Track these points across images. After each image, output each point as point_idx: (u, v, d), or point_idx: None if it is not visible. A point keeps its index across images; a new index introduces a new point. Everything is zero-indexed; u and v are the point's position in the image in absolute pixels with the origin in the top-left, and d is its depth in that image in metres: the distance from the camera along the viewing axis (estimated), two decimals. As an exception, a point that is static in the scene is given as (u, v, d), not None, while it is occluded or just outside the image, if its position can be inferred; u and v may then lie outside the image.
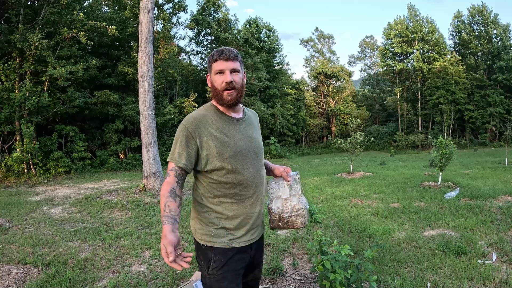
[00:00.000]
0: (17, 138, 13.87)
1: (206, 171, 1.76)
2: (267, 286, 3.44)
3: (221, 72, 1.74)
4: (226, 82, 1.73)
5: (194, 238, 1.86)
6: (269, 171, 2.07)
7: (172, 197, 1.66)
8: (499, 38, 35.09)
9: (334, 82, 45.00)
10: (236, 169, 1.75)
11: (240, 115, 1.89)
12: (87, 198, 8.60)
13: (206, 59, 1.70)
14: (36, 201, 8.55)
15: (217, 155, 1.72)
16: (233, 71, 1.76)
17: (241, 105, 1.92)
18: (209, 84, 1.84)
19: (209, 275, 1.76)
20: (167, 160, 1.78)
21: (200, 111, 1.81)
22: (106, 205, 7.69)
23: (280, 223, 1.93)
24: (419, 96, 37.53)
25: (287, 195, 1.93)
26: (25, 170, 13.60)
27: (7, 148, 14.22)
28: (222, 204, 1.78)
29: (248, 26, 34.30)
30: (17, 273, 3.84)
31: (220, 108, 1.83)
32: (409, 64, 38.39)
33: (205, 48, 30.86)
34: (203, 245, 1.78)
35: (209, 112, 1.81)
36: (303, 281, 3.55)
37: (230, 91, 1.75)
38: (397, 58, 39.43)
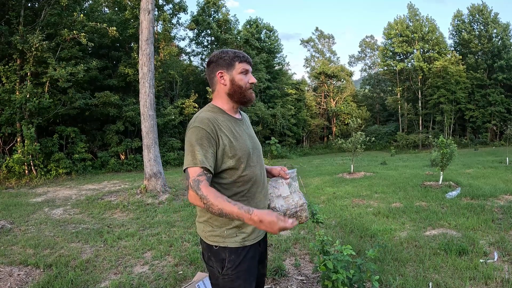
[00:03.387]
0: (18, 139, 13.88)
1: (220, 172, 1.76)
2: (269, 286, 3.44)
3: (246, 72, 1.84)
4: (252, 83, 1.85)
5: (202, 241, 1.86)
6: (267, 173, 2.10)
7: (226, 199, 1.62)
8: (499, 37, 35.05)
9: (334, 82, 44.96)
10: (248, 167, 1.80)
11: (239, 116, 1.95)
12: (88, 199, 8.61)
13: (222, 57, 1.59)
14: (38, 202, 8.56)
15: (231, 155, 1.75)
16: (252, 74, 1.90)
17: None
18: (222, 81, 1.84)
19: (223, 276, 1.77)
20: (187, 167, 1.66)
21: (208, 113, 1.81)
22: (107, 206, 7.70)
23: None
24: (419, 96, 37.51)
25: (287, 193, 1.96)
26: (26, 171, 13.61)
27: (8, 149, 14.24)
28: None
29: (248, 26, 34.30)
30: (18, 274, 3.85)
31: (225, 108, 1.87)
32: (409, 63, 38.37)
33: (205, 49, 30.85)
34: (216, 246, 1.78)
35: (216, 114, 1.83)
36: (305, 281, 3.55)
37: (252, 90, 1.87)
38: (397, 58, 39.39)
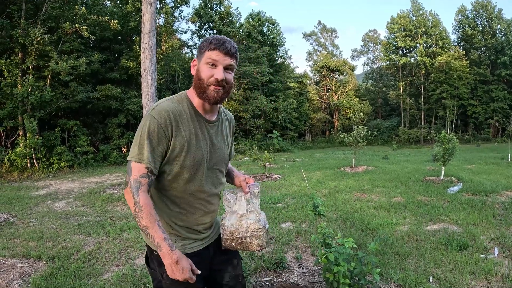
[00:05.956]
0: (20, 133, 13.91)
1: (163, 172, 1.57)
2: (270, 278, 3.46)
3: (214, 64, 1.52)
4: (217, 79, 1.51)
5: (146, 243, 1.69)
6: (231, 179, 1.88)
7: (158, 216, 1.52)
8: (503, 33, 34.87)
9: (337, 76, 44.82)
10: (192, 179, 1.59)
11: (214, 118, 1.68)
12: (91, 192, 8.65)
13: (201, 43, 1.39)
14: (40, 195, 8.60)
15: (179, 160, 1.55)
16: (228, 67, 1.55)
17: (218, 105, 1.70)
18: (193, 71, 1.60)
19: (165, 280, 1.59)
20: (129, 159, 1.51)
21: (174, 104, 1.57)
22: (109, 199, 7.73)
23: (233, 243, 1.69)
24: (422, 91, 37.39)
25: (244, 211, 1.67)
26: (29, 164, 13.66)
27: (10, 143, 14.28)
28: (172, 212, 1.62)
29: (250, 19, 34.19)
30: (21, 267, 3.88)
31: (194, 102, 1.61)
32: (412, 58, 38.21)
33: (207, 42, 30.80)
34: (155, 251, 1.55)
35: (183, 108, 1.58)
36: (306, 274, 3.57)
37: (218, 88, 1.53)
38: (400, 53, 39.24)
